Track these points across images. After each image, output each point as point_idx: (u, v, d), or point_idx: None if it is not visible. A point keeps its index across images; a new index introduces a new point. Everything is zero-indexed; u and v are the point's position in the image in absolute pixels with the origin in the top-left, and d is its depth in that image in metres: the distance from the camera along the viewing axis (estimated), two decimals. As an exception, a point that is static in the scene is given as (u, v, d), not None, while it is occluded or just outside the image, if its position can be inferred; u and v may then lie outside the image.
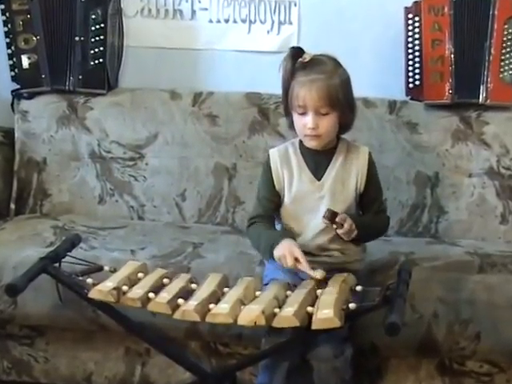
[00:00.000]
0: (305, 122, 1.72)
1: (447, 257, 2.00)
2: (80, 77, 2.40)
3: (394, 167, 2.25)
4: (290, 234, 1.76)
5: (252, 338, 1.80)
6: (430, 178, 2.25)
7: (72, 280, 1.66)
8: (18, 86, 2.42)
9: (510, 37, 2.24)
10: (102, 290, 1.58)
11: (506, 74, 2.24)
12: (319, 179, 1.77)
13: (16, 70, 2.41)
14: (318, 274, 1.65)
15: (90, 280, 1.64)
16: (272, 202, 1.79)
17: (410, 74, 2.29)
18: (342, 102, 1.71)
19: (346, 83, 1.74)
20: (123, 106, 2.38)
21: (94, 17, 2.38)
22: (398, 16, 2.30)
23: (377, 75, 2.37)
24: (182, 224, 2.29)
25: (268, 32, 2.46)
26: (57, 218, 2.27)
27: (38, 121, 2.40)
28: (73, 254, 1.75)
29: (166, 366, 1.97)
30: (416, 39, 2.28)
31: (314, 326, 1.48)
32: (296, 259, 1.66)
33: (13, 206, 2.37)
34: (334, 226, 1.69)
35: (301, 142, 1.80)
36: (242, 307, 1.54)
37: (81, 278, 1.66)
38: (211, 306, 1.55)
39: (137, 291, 1.59)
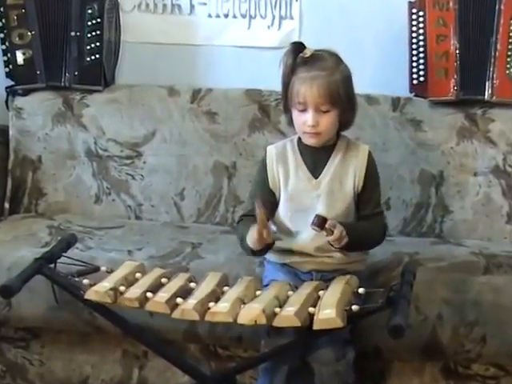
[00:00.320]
0: (305, 119, 1.71)
1: (452, 257, 1.99)
2: (76, 73, 2.39)
3: (397, 166, 2.24)
4: (278, 235, 1.75)
5: (252, 340, 1.79)
6: (434, 177, 2.24)
7: (68, 281, 1.65)
8: (13, 83, 2.41)
9: (516, 32, 2.24)
10: (99, 290, 1.58)
11: (512, 69, 2.25)
12: (316, 177, 1.76)
13: (10, 66, 2.40)
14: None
15: (86, 281, 1.64)
16: (264, 202, 1.75)
17: (414, 70, 2.28)
18: (342, 99, 1.71)
19: (347, 80, 1.73)
20: (120, 103, 2.37)
21: (90, 11, 2.37)
22: (401, 11, 2.29)
23: (380, 71, 2.36)
24: (180, 224, 2.29)
25: (268, 27, 2.46)
26: (52, 217, 2.27)
27: (33, 118, 2.39)
28: (69, 254, 1.74)
29: (165, 369, 1.97)
30: (420, 34, 2.27)
31: (315, 326, 1.47)
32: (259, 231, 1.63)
33: (7, 205, 2.36)
34: (325, 234, 1.66)
35: (299, 139, 1.79)
36: (242, 306, 1.53)
37: (77, 279, 1.65)
38: (211, 304, 1.55)
39: (134, 291, 1.59)
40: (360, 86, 1.78)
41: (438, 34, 2.24)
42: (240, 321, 1.49)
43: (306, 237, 1.75)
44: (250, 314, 1.49)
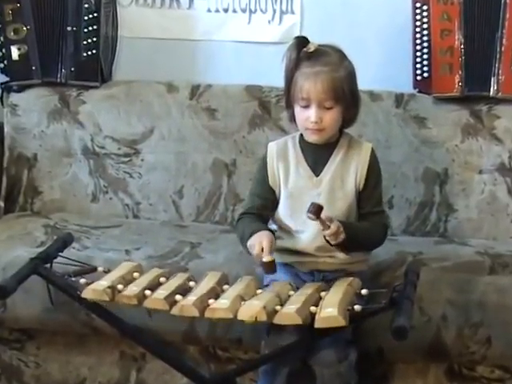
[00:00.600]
0: (307, 116, 1.70)
1: (457, 257, 1.98)
2: (72, 69, 2.39)
3: (401, 163, 2.24)
4: (279, 234, 1.74)
5: (252, 342, 1.79)
6: (438, 175, 2.24)
7: (64, 281, 1.64)
8: (8, 79, 2.40)
9: (522, 27, 2.24)
10: (96, 288, 1.57)
11: (517, 65, 2.25)
12: (318, 175, 1.75)
13: (5, 62, 2.39)
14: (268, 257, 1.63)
15: (83, 280, 1.63)
16: (264, 200, 1.77)
17: (418, 65, 2.28)
18: (346, 95, 1.70)
19: (351, 76, 1.73)
20: (117, 99, 2.37)
21: (86, 6, 2.37)
22: (405, 5, 2.29)
23: (383, 67, 2.36)
24: (179, 223, 2.28)
25: (269, 22, 2.45)
26: (48, 216, 2.26)
27: (29, 115, 2.38)
28: (65, 254, 1.72)
29: (163, 371, 1.96)
30: (424, 29, 2.26)
31: (316, 325, 1.46)
32: (262, 250, 1.63)
33: (2, 203, 2.36)
34: (321, 227, 1.65)
35: (301, 135, 1.78)
36: (243, 303, 1.53)
37: (73, 279, 1.64)
38: (210, 301, 1.54)
39: (133, 288, 1.58)
40: (363, 82, 1.77)
41: (442, 29, 2.23)
42: (240, 317, 1.47)
43: (307, 236, 1.74)
44: (251, 310, 1.48)
